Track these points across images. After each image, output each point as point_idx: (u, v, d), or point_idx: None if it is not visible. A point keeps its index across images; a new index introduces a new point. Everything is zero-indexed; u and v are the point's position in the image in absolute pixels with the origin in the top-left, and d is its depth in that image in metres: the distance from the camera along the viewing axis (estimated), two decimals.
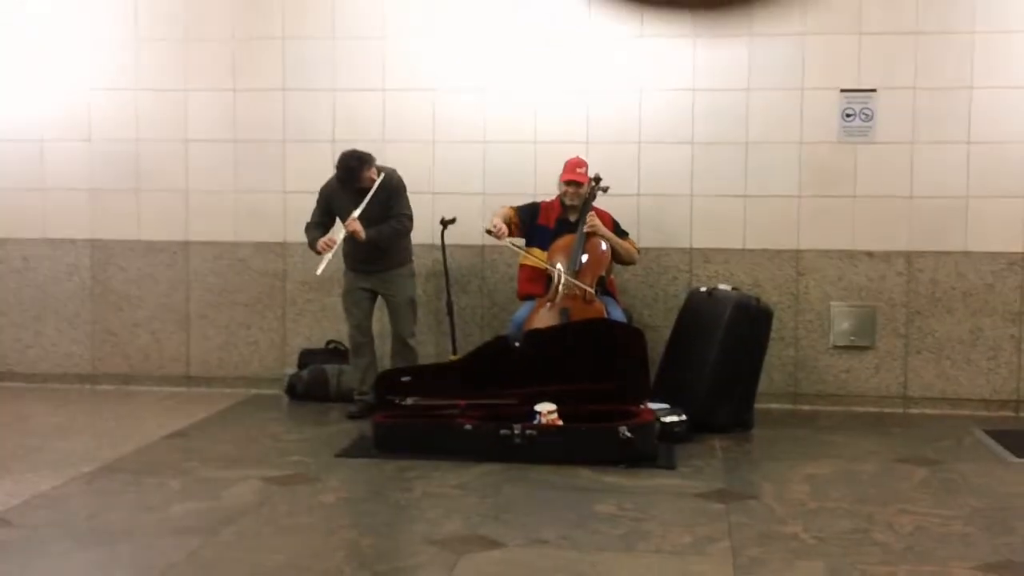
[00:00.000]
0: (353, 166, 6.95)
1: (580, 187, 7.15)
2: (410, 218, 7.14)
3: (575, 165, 7.20)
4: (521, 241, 7.23)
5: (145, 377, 8.18)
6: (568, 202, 7.19)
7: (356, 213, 6.87)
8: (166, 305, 8.18)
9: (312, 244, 7.06)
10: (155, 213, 8.13)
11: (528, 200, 7.41)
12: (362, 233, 6.85)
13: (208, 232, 8.10)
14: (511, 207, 7.25)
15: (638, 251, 7.34)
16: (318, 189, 7.20)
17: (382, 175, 6.99)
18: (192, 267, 8.14)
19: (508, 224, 7.08)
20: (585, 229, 7.02)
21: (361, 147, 7.10)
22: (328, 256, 6.86)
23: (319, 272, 6.90)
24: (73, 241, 8.21)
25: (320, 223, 7.12)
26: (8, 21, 8.18)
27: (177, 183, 8.11)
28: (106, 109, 8.12)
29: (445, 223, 7.35)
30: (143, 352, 8.21)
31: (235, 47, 7.99)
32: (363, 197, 6.89)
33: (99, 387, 8.19)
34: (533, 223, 7.19)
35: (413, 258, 7.29)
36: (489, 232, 7.01)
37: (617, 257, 7.18)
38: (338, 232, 6.98)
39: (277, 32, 7.94)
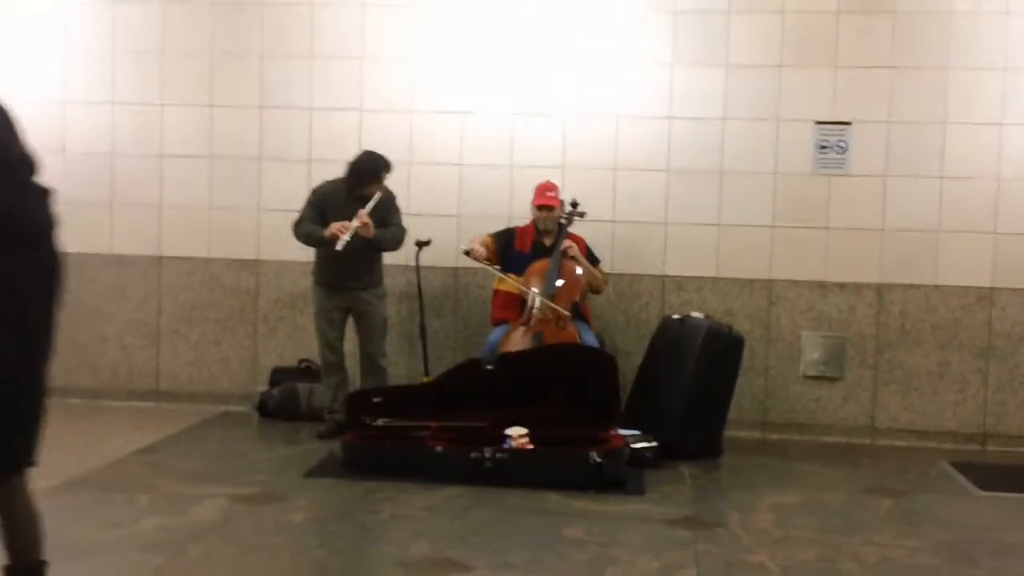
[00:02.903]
0: (382, 167, 6.97)
1: (552, 211, 7.19)
2: (405, 231, 7.17)
3: (545, 189, 7.23)
4: (497, 268, 7.24)
5: (114, 392, 8.12)
6: (542, 227, 7.22)
7: (366, 210, 6.84)
8: (137, 320, 8.13)
9: (313, 234, 6.96)
10: (128, 227, 8.09)
11: (502, 223, 7.45)
12: (372, 229, 6.84)
13: (181, 247, 8.07)
14: (488, 235, 7.27)
15: (606, 282, 7.37)
16: (297, 204, 7.16)
17: (385, 189, 7.03)
18: (164, 282, 8.11)
19: (486, 251, 7.11)
20: (563, 247, 7.04)
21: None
22: (346, 237, 6.75)
23: (340, 248, 6.76)
24: None
25: (313, 222, 7.02)
26: None
27: (151, 198, 8.07)
28: (81, 122, 8.08)
29: (420, 244, 7.35)
30: (112, 367, 8.16)
31: (213, 63, 7.98)
32: (360, 206, 6.86)
33: (67, 401, 8.07)
34: (509, 249, 7.21)
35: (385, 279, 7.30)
36: (467, 253, 7.04)
37: (587, 283, 7.21)
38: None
39: (255, 49, 7.93)
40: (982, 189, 7.50)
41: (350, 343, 7.28)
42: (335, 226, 6.82)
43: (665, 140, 7.67)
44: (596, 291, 7.34)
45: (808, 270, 7.62)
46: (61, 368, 8.04)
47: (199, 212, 8.05)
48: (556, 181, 7.37)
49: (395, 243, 7.13)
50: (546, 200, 7.19)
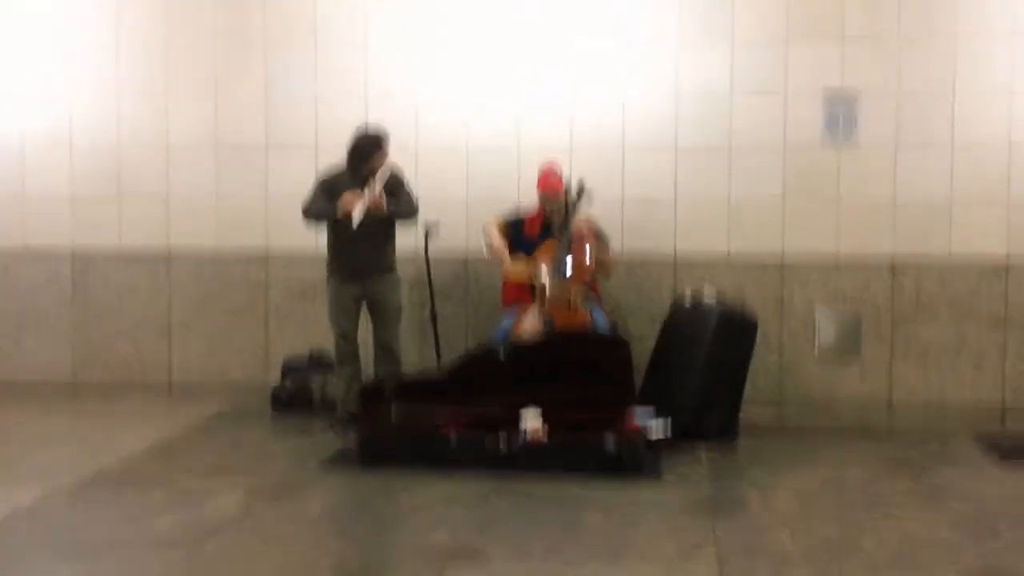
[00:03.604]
0: (379, 139, 6.93)
1: (557, 193, 7.14)
2: (417, 199, 7.13)
3: (548, 173, 7.18)
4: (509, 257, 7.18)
5: (127, 387, 8.11)
6: (548, 208, 7.18)
7: (376, 189, 6.80)
8: (148, 314, 8.12)
9: (324, 210, 6.90)
10: (136, 221, 8.08)
11: (510, 207, 7.40)
12: (384, 206, 6.81)
13: (190, 240, 8.05)
14: (499, 219, 7.22)
15: (615, 262, 7.30)
16: (304, 193, 7.11)
17: (388, 161, 6.97)
18: (174, 276, 8.09)
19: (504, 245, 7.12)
20: (573, 223, 7.01)
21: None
22: (360, 209, 6.69)
23: (356, 223, 6.71)
24: (54, 249, 8.14)
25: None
26: None
27: (159, 190, 8.05)
28: (87, 115, 8.07)
29: (429, 229, 7.31)
30: (125, 361, 8.15)
31: (216, 53, 7.95)
32: (366, 185, 6.81)
33: (80, 396, 8.12)
34: (519, 235, 7.16)
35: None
36: (491, 253, 7.03)
37: (597, 265, 7.17)
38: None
39: (258, 39, 7.90)
40: (994, 158, 7.42)
41: (362, 332, 7.24)
42: (347, 196, 6.77)
43: (672, 118, 7.62)
44: (605, 273, 7.29)
45: (820, 245, 7.56)
46: (73, 365, 8.18)
47: (207, 203, 8.02)
48: (563, 162, 7.32)
49: (411, 211, 7.06)
50: (550, 184, 7.14)
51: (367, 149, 6.93)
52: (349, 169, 6.97)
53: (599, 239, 7.20)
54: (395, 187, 7.00)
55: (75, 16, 8.05)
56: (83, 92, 8.07)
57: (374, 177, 6.83)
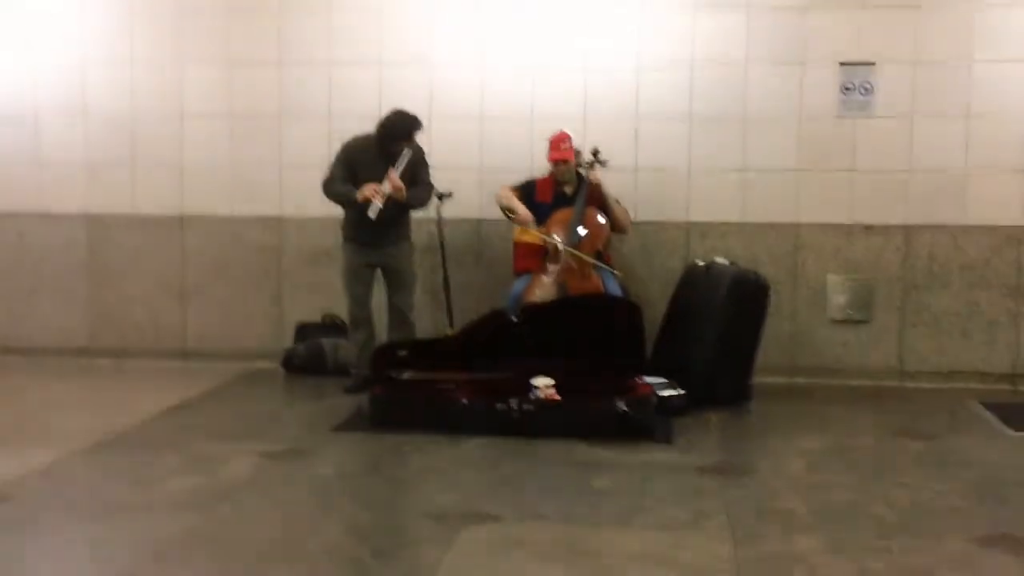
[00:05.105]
0: (412, 126, 6.90)
1: (568, 163, 7.14)
2: (433, 187, 7.14)
3: (559, 141, 7.18)
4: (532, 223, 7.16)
5: (141, 351, 8.16)
6: (560, 178, 7.18)
7: (396, 172, 6.80)
8: (162, 279, 8.16)
9: (348, 194, 6.87)
10: (151, 187, 8.10)
11: (524, 174, 7.40)
12: (404, 191, 6.82)
13: (204, 206, 8.07)
14: (511, 187, 7.22)
15: (630, 221, 7.32)
16: (317, 159, 7.10)
17: (414, 143, 6.97)
18: (188, 241, 8.11)
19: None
20: (591, 181, 7.04)
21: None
22: (379, 203, 6.69)
23: (374, 215, 6.71)
24: (69, 216, 8.17)
25: (344, 180, 6.95)
26: None
27: (173, 157, 8.07)
28: (102, 82, 8.08)
29: (441, 197, 7.30)
30: (139, 326, 8.19)
31: (231, 20, 7.94)
32: (391, 163, 6.80)
33: (95, 361, 8.16)
34: (531, 201, 7.17)
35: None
36: (510, 218, 7.06)
37: (612, 224, 7.16)
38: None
39: (273, 5, 7.88)
40: (1010, 127, 7.39)
41: (376, 297, 7.25)
42: (368, 189, 6.75)
43: (687, 86, 7.59)
44: (623, 230, 7.29)
45: (834, 213, 7.54)
46: (88, 330, 8.22)
47: (221, 170, 8.04)
48: (578, 131, 7.31)
49: (425, 202, 7.10)
50: (560, 154, 7.14)
51: (399, 135, 6.88)
52: (377, 143, 6.95)
53: (613, 202, 7.20)
54: (417, 168, 6.99)
55: None
56: (97, 60, 8.07)
57: (395, 165, 6.80)
